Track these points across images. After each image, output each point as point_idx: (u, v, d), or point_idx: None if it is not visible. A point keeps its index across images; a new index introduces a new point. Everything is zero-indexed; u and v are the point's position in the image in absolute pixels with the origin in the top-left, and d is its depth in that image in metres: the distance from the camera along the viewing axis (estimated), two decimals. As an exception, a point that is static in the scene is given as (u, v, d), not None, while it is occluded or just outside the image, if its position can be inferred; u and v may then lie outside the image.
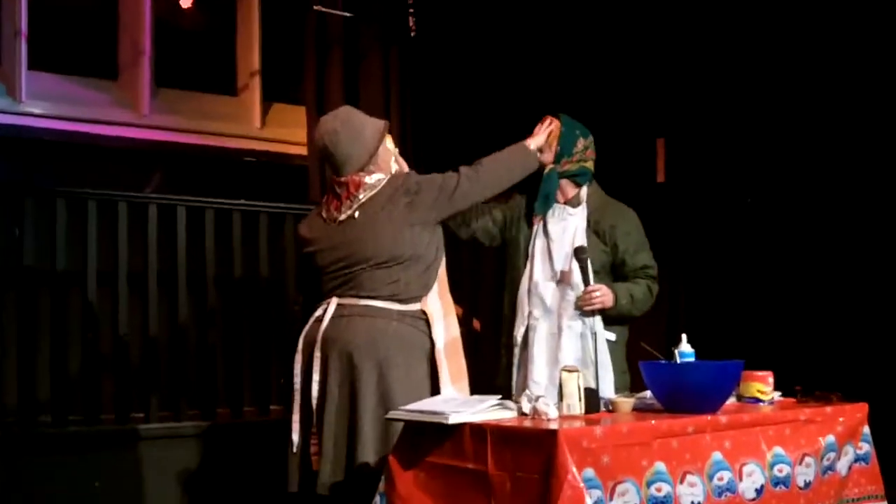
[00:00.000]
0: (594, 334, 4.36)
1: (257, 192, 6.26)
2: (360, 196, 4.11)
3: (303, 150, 6.53)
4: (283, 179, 6.73)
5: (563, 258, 4.47)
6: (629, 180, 6.33)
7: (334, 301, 4.10)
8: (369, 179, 4.12)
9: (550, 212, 4.56)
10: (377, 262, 4.05)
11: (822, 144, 6.26)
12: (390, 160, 4.27)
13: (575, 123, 4.60)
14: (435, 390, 4.03)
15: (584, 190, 4.58)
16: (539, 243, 4.55)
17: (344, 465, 3.95)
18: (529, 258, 4.56)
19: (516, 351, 4.54)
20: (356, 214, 4.10)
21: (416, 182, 4.14)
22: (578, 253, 4.35)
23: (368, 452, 3.90)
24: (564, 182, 4.56)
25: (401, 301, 4.06)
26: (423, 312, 4.11)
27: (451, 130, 6.93)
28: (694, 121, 6.88)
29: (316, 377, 4.02)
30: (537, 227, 4.58)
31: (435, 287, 4.17)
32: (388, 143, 4.30)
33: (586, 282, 4.35)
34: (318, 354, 4.03)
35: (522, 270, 4.56)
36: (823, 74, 6.20)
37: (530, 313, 4.50)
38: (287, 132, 7.05)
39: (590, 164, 4.61)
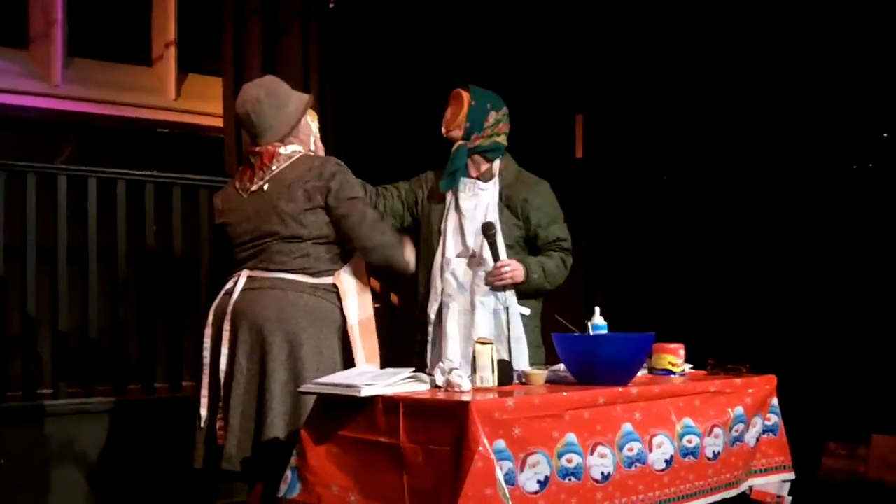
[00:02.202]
0: (507, 309, 4.36)
1: (172, 164, 6.16)
2: (273, 167, 4.05)
3: (218, 122, 6.45)
4: (198, 151, 6.66)
5: (474, 234, 4.44)
6: (548, 155, 6.35)
7: (245, 273, 4.04)
8: (284, 150, 4.06)
9: (462, 187, 4.52)
10: (284, 236, 3.99)
11: (737, 125, 6.33)
12: (310, 136, 4.22)
13: (486, 96, 4.53)
14: (348, 365, 3.99)
15: (497, 164, 4.56)
16: (451, 220, 4.51)
17: (251, 440, 3.90)
18: (442, 235, 4.52)
19: (430, 329, 4.52)
20: (265, 186, 4.04)
21: (332, 174, 4.02)
22: (486, 230, 4.33)
23: (278, 427, 3.85)
24: (477, 157, 4.51)
25: (312, 274, 4.01)
26: (335, 286, 4.07)
27: (371, 105, 6.90)
28: (613, 98, 6.92)
29: (225, 350, 3.96)
30: (449, 203, 4.54)
31: (349, 264, 4.13)
32: (311, 119, 4.25)
33: (496, 257, 4.34)
34: (227, 327, 3.97)
35: (436, 247, 4.52)
36: (737, 54, 6.27)
37: (443, 290, 4.48)
38: (202, 104, 6.98)
39: (502, 139, 4.55)
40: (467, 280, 4.44)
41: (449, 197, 4.54)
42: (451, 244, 4.49)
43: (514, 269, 4.37)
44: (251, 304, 3.96)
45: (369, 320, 4.16)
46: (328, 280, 4.05)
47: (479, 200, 4.50)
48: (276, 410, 3.86)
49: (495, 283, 4.38)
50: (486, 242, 4.34)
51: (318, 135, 4.32)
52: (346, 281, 4.09)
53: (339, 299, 4.05)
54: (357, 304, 4.11)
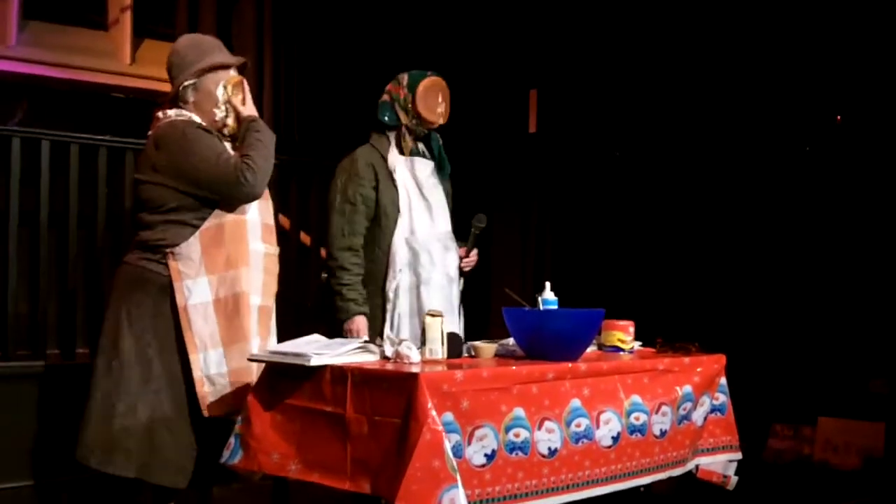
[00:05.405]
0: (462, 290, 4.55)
1: (126, 130, 6.05)
2: (150, 133, 3.98)
3: (172, 88, 6.38)
4: (152, 117, 6.57)
5: (442, 212, 4.51)
6: (502, 130, 6.35)
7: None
8: (161, 114, 3.97)
9: (422, 167, 4.52)
10: (136, 205, 3.95)
11: (691, 103, 6.35)
12: (213, 104, 3.97)
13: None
14: (182, 349, 3.84)
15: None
16: (414, 198, 4.46)
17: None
18: (401, 213, 4.45)
19: (389, 306, 4.43)
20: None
21: (167, 140, 3.84)
22: (479, 221, 4.49)
23: (94, 401, 3.87)
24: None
25: (152, 246, 3.85)
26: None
27: (325, 75, 6.86)
28: (567, 73, 6.92)
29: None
30: (402, 181, 4.46)
31: (197, 242, 3.83)
32: (221, 87, 3.97)
33: (475, 246, 4.54)
34: None
35: (393, 226, 4.42)
36: (691, 32, 6.29)
37: (415, 269, 4.42)
38: (157, 69, 6.83)
39: None
40: (441, 258, 4.47)
41: (402, 176, 4.47)
42: (420, 223, 4.45)
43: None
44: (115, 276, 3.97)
45: (233, 298, 3.86)
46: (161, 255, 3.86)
47: (434, 180, 4.57)
48: (96, 386, 3.88)
49: (465, 269, 4.58)
50: (472, 231, 4.50)
51: (234, 107, 3.98)
52: (190, 259, 3.82)
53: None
54: (208, 283, 3.84)
